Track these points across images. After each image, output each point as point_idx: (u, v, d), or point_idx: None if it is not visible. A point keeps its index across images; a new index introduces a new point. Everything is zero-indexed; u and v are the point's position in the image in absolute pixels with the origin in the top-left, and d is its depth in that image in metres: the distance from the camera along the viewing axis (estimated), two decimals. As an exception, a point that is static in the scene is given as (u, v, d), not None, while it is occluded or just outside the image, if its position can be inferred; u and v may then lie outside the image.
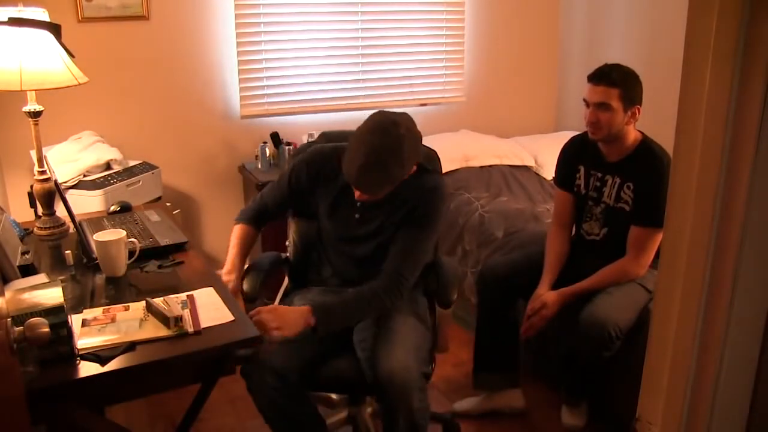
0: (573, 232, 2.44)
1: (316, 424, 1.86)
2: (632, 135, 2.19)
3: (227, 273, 1.90)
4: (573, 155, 2.37)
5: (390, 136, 1.70)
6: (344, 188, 1.90)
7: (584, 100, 2.18)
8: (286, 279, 2.21)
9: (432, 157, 2.10)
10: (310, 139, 3.12)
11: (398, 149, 1.69)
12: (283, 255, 2.23)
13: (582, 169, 2.33)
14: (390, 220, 1.89)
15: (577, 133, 3.74)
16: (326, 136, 2.19)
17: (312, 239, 2.10)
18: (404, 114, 1.78)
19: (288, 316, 1.70)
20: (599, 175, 2.28)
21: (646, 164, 2.15)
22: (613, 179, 2.23)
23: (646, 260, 2.16)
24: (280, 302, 2.09)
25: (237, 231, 2.01)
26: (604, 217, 2.27)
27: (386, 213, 1.90)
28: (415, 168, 1.83)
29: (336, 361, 1.87)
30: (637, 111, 2.14)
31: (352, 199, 1.89)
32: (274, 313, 1.68)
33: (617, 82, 2.10)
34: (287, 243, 2.24)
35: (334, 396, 2.28)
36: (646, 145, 2.19)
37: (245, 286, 1.96)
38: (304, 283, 2.11)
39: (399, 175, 1.74)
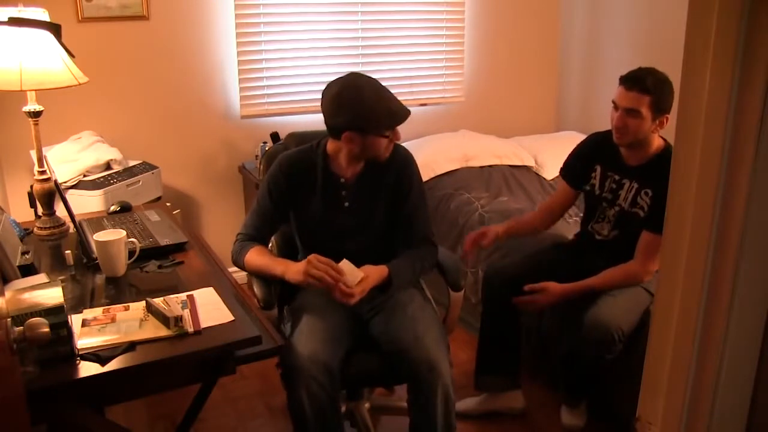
0: (579, 230, 2.43)
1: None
2: (656, 142, 2.16)
3: (297, 270, 1.81)
4: (591, 153, 2.34)
5: (369, 79, 1.87)
6: (326, 183, 1.95)
7: (613, 102, 2.13)
8: None
9: None
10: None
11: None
12: None
13: (599, 168, 2.30)
14: (381, 194, 1.96)
15: (576, 131, 3.78)
16: (295, 137, 2.22)
17: (293, 240, 2.11)
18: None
19: (375, 277, 1.85)
20: (616, 177, 2.25)
21: (667, 172, 2.12)
22: (630, 183, 2.21)
23: (653, 267, 2.14)
24: (280, 305, 2.08)
25: (256, 251, 1.93)
26: (616, 220, 2.26)
27: (371, 192, 1.96)
28: None
29: (362, 357, 1.91)
30: (665, 120, 2.10)
31: (336, 191, 1.95)
32: (367, 282, 1.82)
33: (650, 89, 2.05)
34: (269, 246, 2.23)
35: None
36: (668, 152, 2.15)
37: (259, 294, 1.93)
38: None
39: None
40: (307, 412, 1.74)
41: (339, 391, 1.81)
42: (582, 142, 2.42)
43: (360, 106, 1.80)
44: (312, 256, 1.80)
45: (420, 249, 2.00)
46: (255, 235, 1.99)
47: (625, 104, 2.09)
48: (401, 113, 1.84)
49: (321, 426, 1.76)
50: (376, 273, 1.86)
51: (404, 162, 1.99)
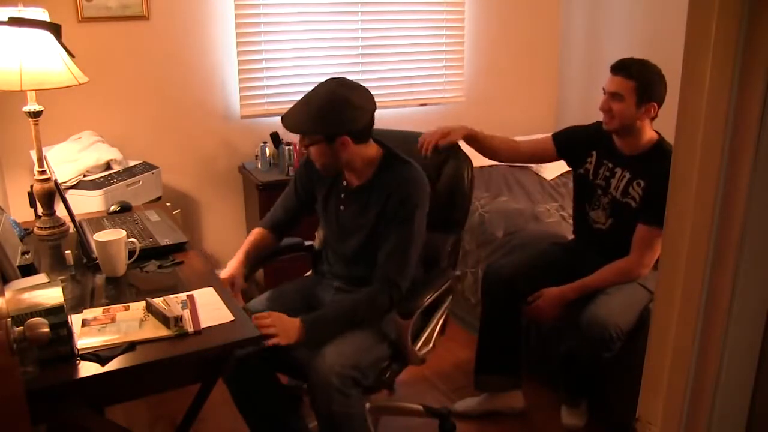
0: (579, 220, 2.43)
1: (287, 406, 1.94)
2: (648, 134, 2.19)
3: (224, 272, 1.93)
4: (591, 139, 2.35)
5: (323, 87, 1.79)
6: (332, 184, 1.98)
7: (603, 89, 2.20)
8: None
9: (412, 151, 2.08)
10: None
11: (329, 97, 1.76)
12: (307, 242, 2.26)
13: (595, 155, 2.34)
14: (371, 209, 1.90)
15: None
16: None
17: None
18: (356, 84, 1.82)
19: (286, 325, 1.73)
20: (610, 165, 2.28)
21: (660, 164, 2.13)
22: (623, 172, 2.23)
23: (650, 260, 2.15)
24: None
25: (250, 234, 2.07)
26: (611, 208, 2.27)
27: (366, 201, 1.91)
28: (349, 136, 1.78)
29: (294, 349, 1.79)
30: (653, 108, 2.13)
31: (339, 191, 1.97)
32: (274, 318, 1.72)
33: (634, 75, 2.11)
34: (316, 232, 2.27)
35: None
36: (661, 145, 2.18)
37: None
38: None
39: (323, 119, 1.76)
40: (234, 392, 1.86)
41: (262, 375, 1.86)
42: (587, 125, 2.42)
43: None
44: (229, 283, 1.87)
45: (372, 296, 1.82)
46: (271, 218, 2.09)
47: (610, 88, 2.17)
48: (283, 117, 1.81)
49: (257, 406, 1.87)
50: (291, 332, 1.73)
51: (400, 184, 1.84)
